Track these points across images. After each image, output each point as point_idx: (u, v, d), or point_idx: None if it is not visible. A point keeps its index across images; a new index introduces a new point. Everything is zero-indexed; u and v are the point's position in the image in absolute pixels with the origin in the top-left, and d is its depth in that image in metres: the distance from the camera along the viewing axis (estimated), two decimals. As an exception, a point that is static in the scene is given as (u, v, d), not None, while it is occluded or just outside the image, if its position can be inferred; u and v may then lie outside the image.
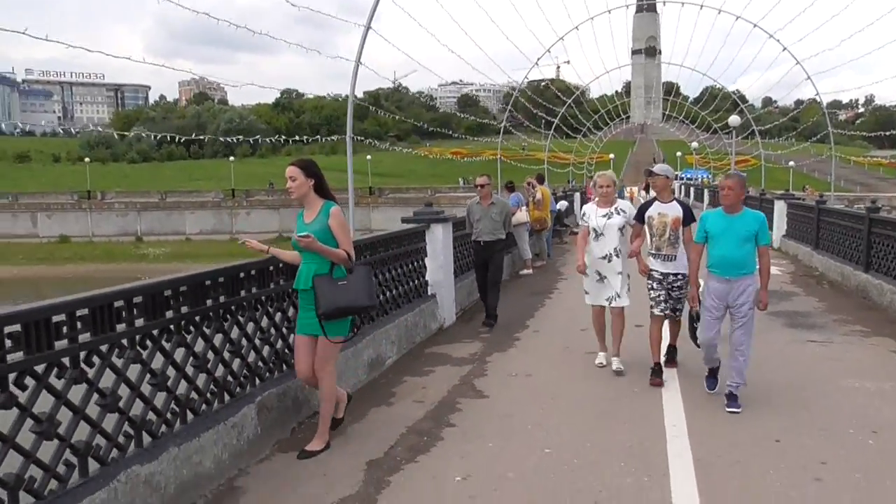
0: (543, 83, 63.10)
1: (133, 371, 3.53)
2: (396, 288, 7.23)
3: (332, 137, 61.97)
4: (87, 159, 79.25)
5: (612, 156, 72.09)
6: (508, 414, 5.35)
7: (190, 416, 3.99)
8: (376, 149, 66.47)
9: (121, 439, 3.40)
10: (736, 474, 4.17)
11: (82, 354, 3.21)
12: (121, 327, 3.43)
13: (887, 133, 58.61)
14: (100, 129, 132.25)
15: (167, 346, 3.81)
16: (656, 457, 4.42)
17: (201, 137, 42.75)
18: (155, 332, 3.71)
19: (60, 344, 3.08)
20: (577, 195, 27.51)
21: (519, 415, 5.32)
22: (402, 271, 7.39)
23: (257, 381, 4.71)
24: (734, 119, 27.29)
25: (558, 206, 19.32)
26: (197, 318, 4.09)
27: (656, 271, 6.04)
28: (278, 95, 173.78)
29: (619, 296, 6.27)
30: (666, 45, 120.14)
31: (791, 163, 61.57)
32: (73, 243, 56.93)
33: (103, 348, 3.34)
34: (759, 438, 4.71)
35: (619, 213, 6.26)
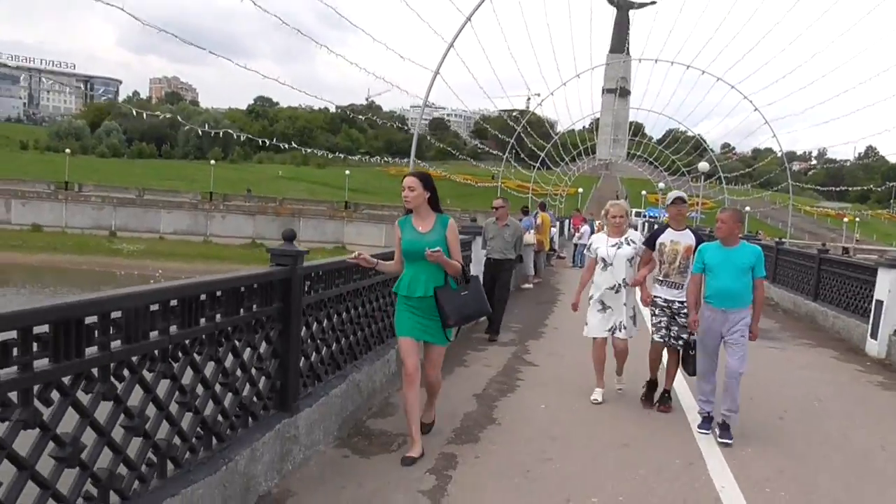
0: (514, 113, 65.97)
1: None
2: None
3: (321, 151, 63.08)
4: (67, 150, 79.05)
5: (580, 189, 75.08)
6: (558, 376, 7.25)
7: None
8: (351, 164, 68.20)
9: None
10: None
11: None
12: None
13: (837, 188, 63.10)
14: (72, 119, 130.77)
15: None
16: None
17: (201, 131, 42.98)
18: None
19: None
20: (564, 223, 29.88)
21: (567, 377, 7.21)
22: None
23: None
24: (703, 165, 30.08)
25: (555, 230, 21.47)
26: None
27: (661, 298, 6.05)
28: (252, 102, 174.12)
29: (625, 326, 6.16)
30: (635, 84, 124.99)
31: (748, 208, 65.30)
32: (46, 232, 56.88)
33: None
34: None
35: (629, 244, 6.19)
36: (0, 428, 2.21)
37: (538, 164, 50.63)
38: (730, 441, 5.23)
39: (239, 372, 3.60)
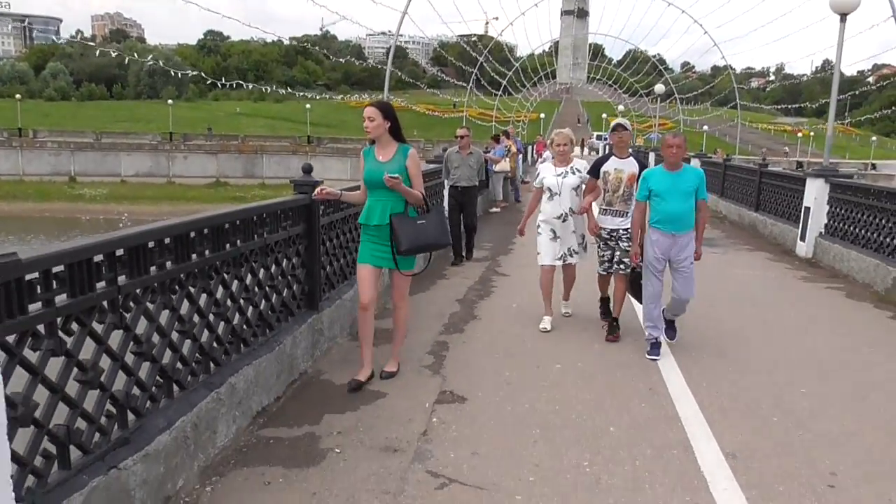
0: (473, 38, 65.63)
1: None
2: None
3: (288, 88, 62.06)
4: (17, 96, 76.40)
5: (542, 115, 75.63)
6: (526, 282, 8.36)
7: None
8: (313, 98, 67.61)
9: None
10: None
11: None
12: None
13: (793, 105, 64.75)
14: (14, 62, 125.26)
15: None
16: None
17: (192, 73, 41.72)
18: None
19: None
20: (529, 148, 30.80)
21: (534, 283, 8.26)
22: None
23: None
24: (659, 87, 31.05)
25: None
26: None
27: (605, 229, 6.06)
28: (202, 37, 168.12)
29: (575, 252, 6.28)
30: (593, 8, 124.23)
31: (705, 127, 66.83)
32: (3, 181, 55.99)
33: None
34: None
35: (574, 173, 6.14)
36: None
37: (500, 92, 50.91)
38: (673, 339, 5.81)
39: (280, 278, 4.58)
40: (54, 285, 2.53)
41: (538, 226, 6.32)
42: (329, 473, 3.52)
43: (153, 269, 3.13)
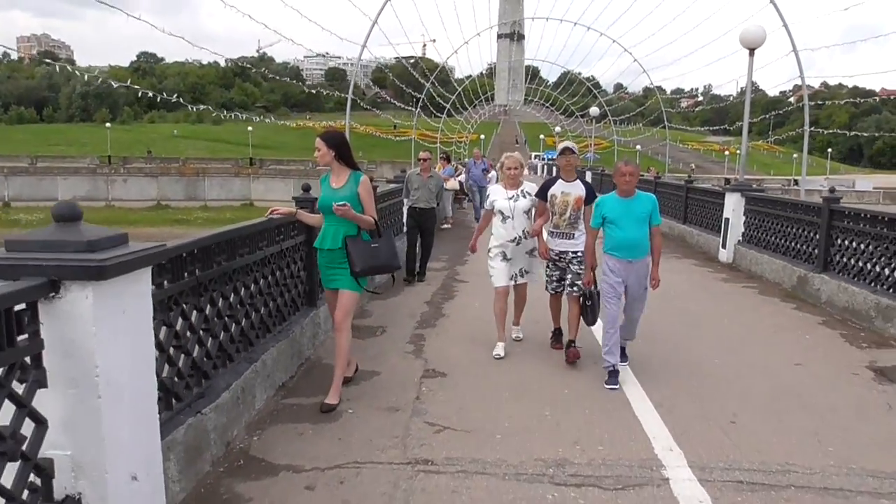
0: (411, 60, 67.11)
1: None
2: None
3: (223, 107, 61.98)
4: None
5: (482, 136, 77.54)
6: (484, 287, 9.36)
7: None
8: (253, 121, 67.55)
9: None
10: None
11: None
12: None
13: (718, 127, 68.38)
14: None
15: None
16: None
17: (150, 92, 41.27)
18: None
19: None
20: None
21: (489, 286, 9.38)
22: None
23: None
24: (594, 110, 32.91)
25: (461, 178, 23.61)
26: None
27: (553, 250, 6.05)
28: (135, 58, 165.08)
29: (526, 272, 6.30)
30: (529, 32, 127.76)
31: (639, 147, 69.81)
32: (-66, 207, 54.30)
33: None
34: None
35: (525, 196, 6.12)
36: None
37: (444, 115, 52.36)
38: (626, 363, 5.69)
39: (290, 278, 5.49)
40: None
41: (489, 250, 6.33)
42: (348, 425, 4.44)
43: (215, 265, 4.03)
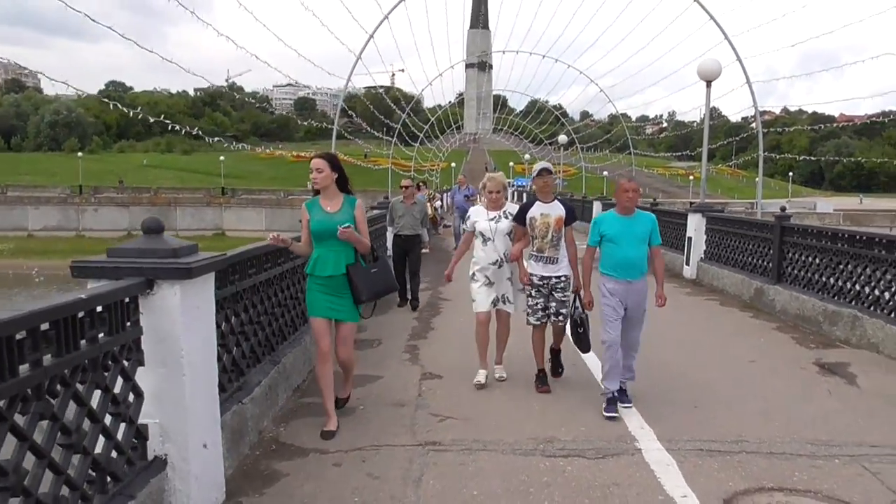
0: (381, 89, 68.30)
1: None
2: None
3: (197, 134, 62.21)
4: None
5: (453, 164, 78.74)
6: (467, 304, 10.01)
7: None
8: (225, 149, 67.81)
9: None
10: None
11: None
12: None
13: (683, 153, 70.60)
14: None
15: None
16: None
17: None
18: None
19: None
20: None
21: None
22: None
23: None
24: (562, 137, 34.10)
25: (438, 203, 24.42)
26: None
27: (536, 276, 5.75)
28: (103, 87, 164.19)
29: (509, 300, 6.02)
30: (496, 62, 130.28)
31: (605, 172, 71.50)
32: None
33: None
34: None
35: (507, 217, 5.92)
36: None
37: (417, 143, 53.40)
38: (630, 405, 5.25)
39: (301, 293, 6.08)
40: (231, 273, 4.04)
41: (472, 274, 6.11)
42: (362, 418, 5.05)
43: (247, 277, 4.64)
